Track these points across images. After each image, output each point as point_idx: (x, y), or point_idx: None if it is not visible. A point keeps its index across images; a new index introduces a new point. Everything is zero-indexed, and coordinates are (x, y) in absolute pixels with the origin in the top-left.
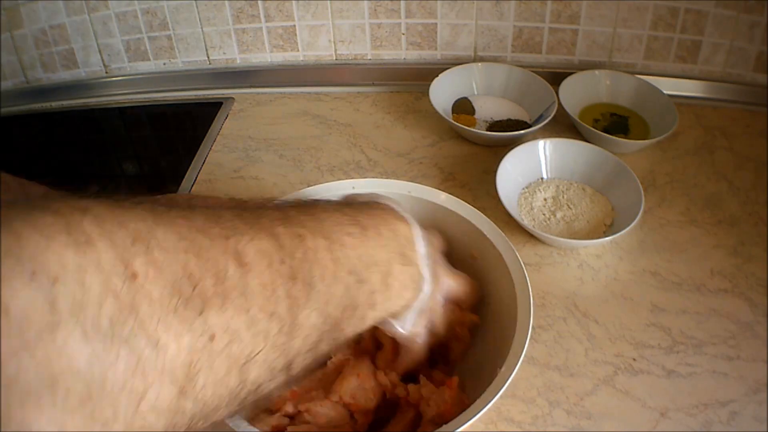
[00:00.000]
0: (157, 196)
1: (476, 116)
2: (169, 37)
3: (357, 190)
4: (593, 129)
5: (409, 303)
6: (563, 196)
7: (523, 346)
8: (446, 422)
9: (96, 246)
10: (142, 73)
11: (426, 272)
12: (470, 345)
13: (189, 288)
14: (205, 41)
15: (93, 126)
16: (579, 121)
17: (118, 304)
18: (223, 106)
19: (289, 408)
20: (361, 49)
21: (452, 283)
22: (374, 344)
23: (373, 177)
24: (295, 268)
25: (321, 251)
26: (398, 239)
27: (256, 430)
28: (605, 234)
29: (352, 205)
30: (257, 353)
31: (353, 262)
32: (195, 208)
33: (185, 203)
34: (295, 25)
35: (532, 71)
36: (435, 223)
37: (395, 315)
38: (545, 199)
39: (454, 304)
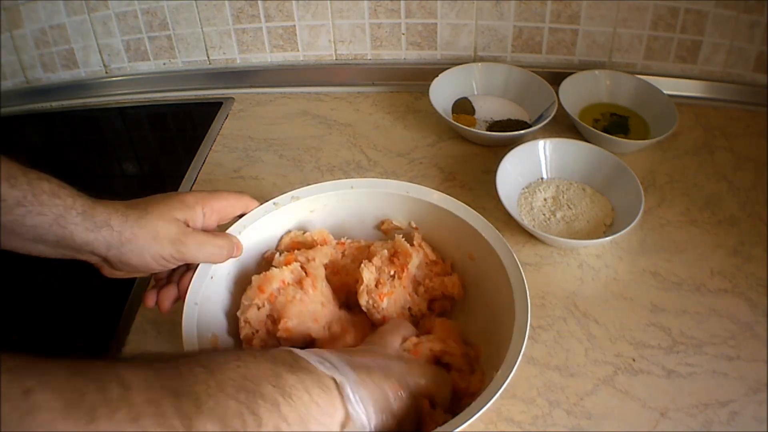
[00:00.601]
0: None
1: (476, 116)
2: (169, 37)
3: (356, 190)
4: (593, 129)
5: (335, 408)
6: (563, 196)
7: (521, 348)
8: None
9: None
10: (142, 73)
11: (338, 375)
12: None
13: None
14: (205, 41)
15: (93, 126)
16: (579, 121)
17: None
18: (223, 106)
19: None
20: (361, 49)
21: (419, 380)
22: None
23: (373, 177)
24: (176, 386)
25: (198, 376)
26: (278, 359)
27: None
28: (605, 234)
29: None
30: None
31: (238, 382)
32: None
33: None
34: (295, 25)
35: (532, 71)
36: (432, 224)
37: (331, 428)
38: (545, 199)
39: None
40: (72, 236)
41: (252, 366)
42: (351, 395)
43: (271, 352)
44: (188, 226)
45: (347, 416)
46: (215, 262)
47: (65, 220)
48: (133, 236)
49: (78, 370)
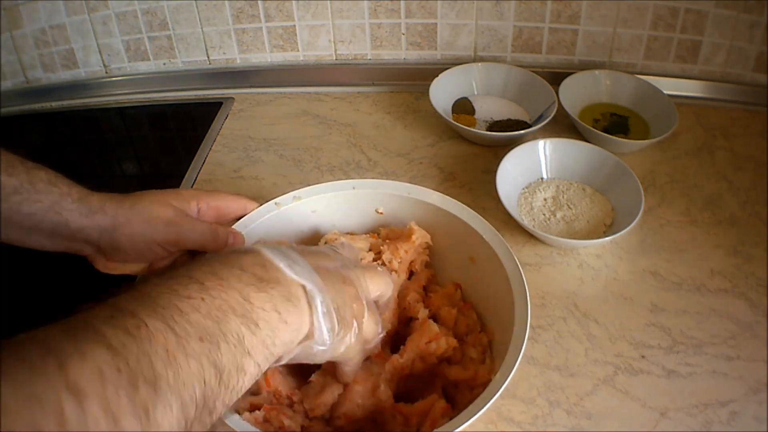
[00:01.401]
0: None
1: (476, 116)
2: (169, 37)
3: (357, 190)
4: (593, 129)
5: (303, 322)
6: (563, 196)
7: (521, 348)
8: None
9: None
10: (142, 73)
11: (308, 281)
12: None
13: None
14: (205, 41)
15: (93, 126)
16: (579, 121)
17: None
18: (223, 106)
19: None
20: (361, 49)
21: (371, 282)
22: None
23: (373, 177)
24: (134, 369)
25: (158, 334)
26: (247, 271)
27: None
28: (605, 234)
29: (191, 264)
30: None
31: (201, 325)
32: (25, 343)
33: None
34: (295, 25)
35: (532, 71)
36: (433, 225)
37: (294, 343)
38: (545, 199)
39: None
40: (67, 222)
41: (216, 295)
42: (319, 306)
43: (241, 262)
44: None
45: (311, 330)
46: (210, 248)
47: (60, 206)
48: (127, 220)
49: (28, 397)
